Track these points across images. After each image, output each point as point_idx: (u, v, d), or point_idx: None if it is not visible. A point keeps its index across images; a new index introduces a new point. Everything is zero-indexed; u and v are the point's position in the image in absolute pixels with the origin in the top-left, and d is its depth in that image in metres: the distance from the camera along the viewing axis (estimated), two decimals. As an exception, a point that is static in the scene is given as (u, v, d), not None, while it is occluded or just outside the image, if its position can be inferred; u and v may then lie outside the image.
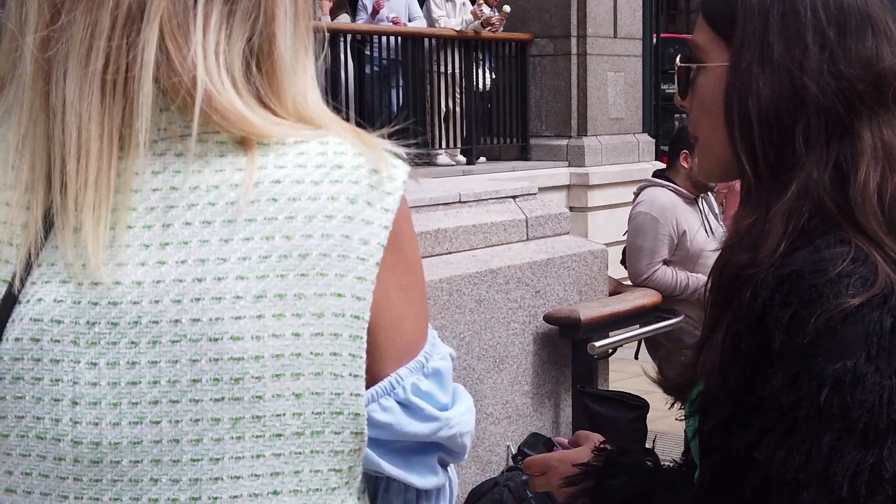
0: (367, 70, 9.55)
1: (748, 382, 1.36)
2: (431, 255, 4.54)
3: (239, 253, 0.98)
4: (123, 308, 0.97)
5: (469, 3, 10.37)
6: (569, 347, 4.96)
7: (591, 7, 10.35)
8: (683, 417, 1.51)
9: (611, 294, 5.29)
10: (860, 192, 1.39)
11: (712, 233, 5.37)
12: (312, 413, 1.00)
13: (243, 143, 1.01)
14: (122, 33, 0.98)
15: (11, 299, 0.98)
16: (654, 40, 12.08)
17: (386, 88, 9.77)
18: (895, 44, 1.45)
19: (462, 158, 10.16)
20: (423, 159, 9.83)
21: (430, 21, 10.24)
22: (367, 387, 1.04)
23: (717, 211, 5.71)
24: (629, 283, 5.46)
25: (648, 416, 4.81)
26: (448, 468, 1.16)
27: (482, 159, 10.42)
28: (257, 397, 0.98)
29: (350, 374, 1.01)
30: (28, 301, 0.98)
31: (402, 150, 1.09)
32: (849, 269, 1.32)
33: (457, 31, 10.02)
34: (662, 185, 5.31)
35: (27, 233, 0.98)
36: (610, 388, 5.25)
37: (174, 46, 0.99)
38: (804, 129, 1.41)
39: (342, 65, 9.15)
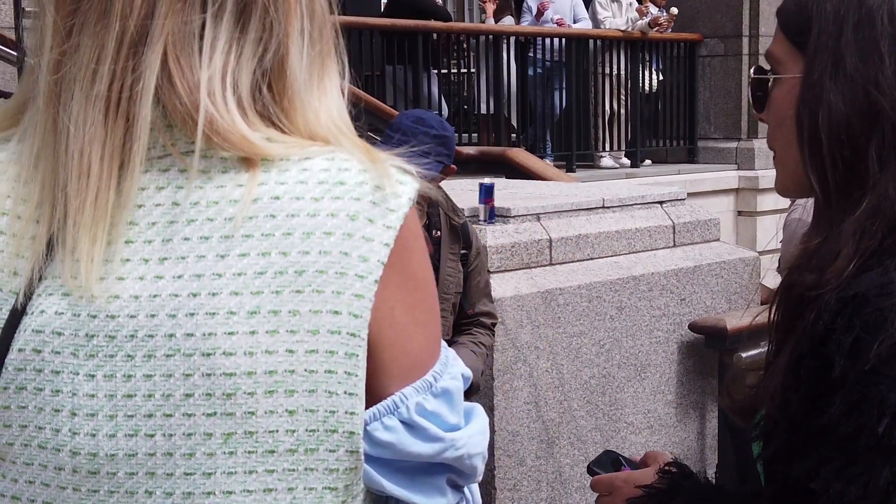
0: (531, 72, 9.53)
1: (808, 409, 1.30)
2: (571, 262, 4.50)
3: (234, 269, 0.99)
4: (121, 321, 0.98)
5: (636, 1, 10.23)
6: (715, 357, 4.83)
7: (764, 6, 10.06)
8: (751, 441, 1.45)
9: (763, 303, 5.12)
10: None
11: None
12: (306, 430, 0.99)
13: (246, 161, 1.02)
14: (126, 56, 1.00)
15: (19, 311, 1.00)
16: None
17: (549, 91, 9.72)
18: None
19: (626, 161, 10.02)
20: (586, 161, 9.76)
21: (596, 22, 10.14)
22: (372, 405, 1.04)
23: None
24: (783, 291, 5.28)
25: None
26: (466, 489, 1.14)
27: (647, 162, 10.26)
28: (249, 413, 0.98)
29: (345, 392, 1.00)
30: (32, 313, 1.00)
31: (412, 167, 1.07)
32: None
33: (622, 31, 9.90)
34: (819, 191, 5.12)
35: (34, 246, 1.01)
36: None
37: (177, 69, 1.00)
38: (878, 145, 1.33)
39: (505, 67, 9.15)
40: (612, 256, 4.65)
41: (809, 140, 1.36)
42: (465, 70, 9.61)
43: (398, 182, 1.05)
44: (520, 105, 9.43)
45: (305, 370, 0.99)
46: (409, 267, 1.05)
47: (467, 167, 6.49)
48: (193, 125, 1.00)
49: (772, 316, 1.41)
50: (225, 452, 0.99)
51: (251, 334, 0.98)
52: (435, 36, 8.92)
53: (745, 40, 10.14)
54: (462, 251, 3.51)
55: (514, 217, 4.39)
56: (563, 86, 9.73)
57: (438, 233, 3.45)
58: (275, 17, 1.04)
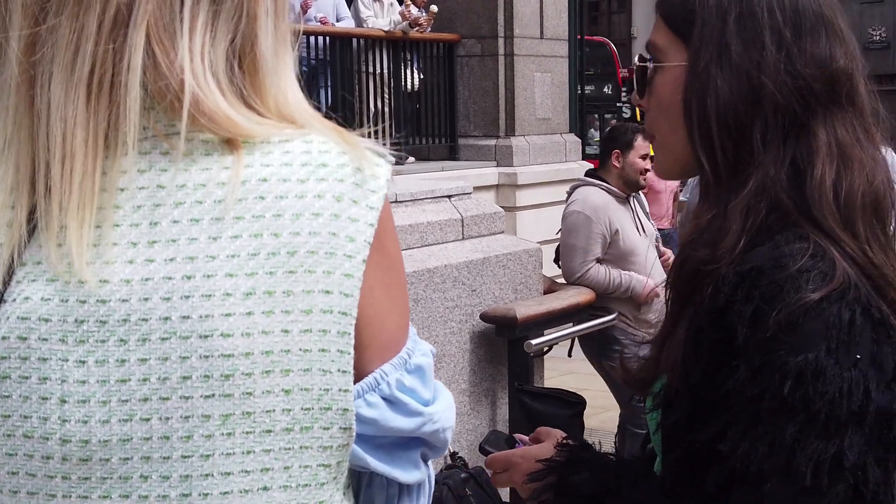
0: (295, 70, 9.49)
1: (710, 378, 1.39)
2: (369, 255, 4.54)
3: (228, 250, 0.99)
4: (112, 306, 0.96)
5: (397, 2, 10.37)
6: (505, 346, 4.99)
7: (518, 8, 10.41)
8: (646, 411, 1.53)
9: (545, 292, 5.33)
10: (817, 188, 1.42)
11: (644, 231, 5.45)
12: (301, 409, 1.00)
13: (229, 142, 1.02)
14: (108, 38, 0.99)
15: None
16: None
17: (314, 89, 9.72)
18: (847, 45, 1.49)
19: (391, 158, 10.13)
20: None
21: (359, 21, 10.22)
22: (354, 382, 1.06)
23: (647, 210, 5.79)
24: (563, 281, 5.51)
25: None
26: (427, 464, 1.17)
27: (411, 159, 10.43)
28: (247, 393, 0.98)
29: (338, 370, 1.02)
30: (14, 300, 0.97)
31: (384, 149, 1.10)
32: (808, 265, 1.36)
33: (385, 31, 10.02)
34: (595, 185, 5.37)
35: (11, 232, 0.98)
36: (546, 386, 5.29)
37: (161, 50, 0.99)
38: (762, 128, 1.45)
39: (270, 64, 9.09)
40: (406, 250, 4.72)
41: (699, 125, 1.47)
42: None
43: (375, 164, 1.07)
44: (285, 103, 9.38)
45: (300, 349, 1.00)
46: (386, 246, 1.08)
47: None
48: (179, 106, 0.99)
49: (666, 289, 1.51)
50: (223, 434, 0.98)
51: (248, 315, 0.98)
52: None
53: (501, 41, 10.44)
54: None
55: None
56: (328, 84, 9.75)
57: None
58: None
